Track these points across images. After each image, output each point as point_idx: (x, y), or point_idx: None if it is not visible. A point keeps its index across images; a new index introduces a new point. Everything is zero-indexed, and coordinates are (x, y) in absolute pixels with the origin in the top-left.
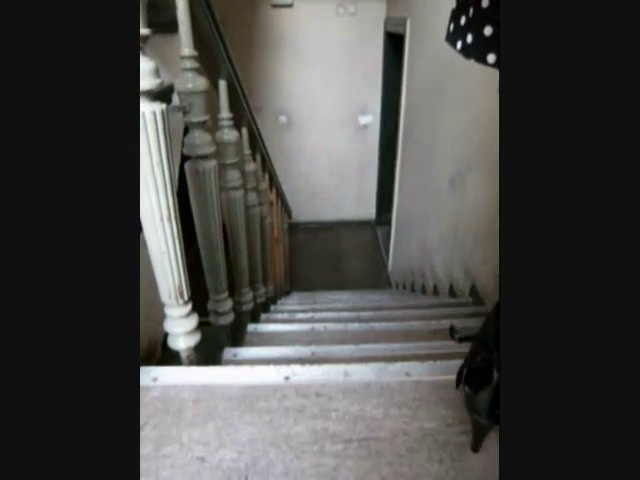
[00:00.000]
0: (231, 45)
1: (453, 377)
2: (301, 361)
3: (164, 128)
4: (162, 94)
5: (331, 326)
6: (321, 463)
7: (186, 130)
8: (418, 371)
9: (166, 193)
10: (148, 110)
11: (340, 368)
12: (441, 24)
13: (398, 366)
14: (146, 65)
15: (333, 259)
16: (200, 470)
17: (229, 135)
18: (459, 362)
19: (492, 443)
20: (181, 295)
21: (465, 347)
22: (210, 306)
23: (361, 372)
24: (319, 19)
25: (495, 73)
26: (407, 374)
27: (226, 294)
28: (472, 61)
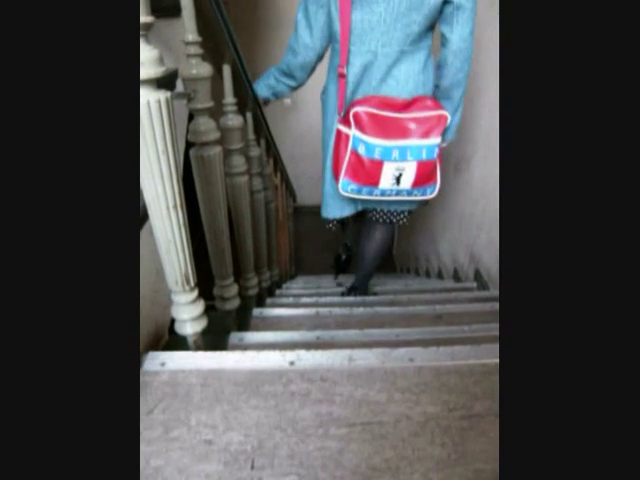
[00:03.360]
0: (235, 28)
1: (456, 362)
2: (306, 346)
3: (169, 116)
4: (166, 81)
5: (336, 310)
6: (325, 446)
7: (191, 116)
8: (421, 356)
9: (172, 181)
10: (153, 99)
11: (344, 353)
12: None
13: (402, 351)
14: (150, 53)
15: (338, 243)
16: (208, 452)
17: (234, 121)
18: (462, 347)
19: (492, 427)
20: (187, 282)
21: (470, 333)
22: (216, 291)
23: (365, 357)
24: None
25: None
26: (411, 359)
27: (232, 279)
28: (478, 44)
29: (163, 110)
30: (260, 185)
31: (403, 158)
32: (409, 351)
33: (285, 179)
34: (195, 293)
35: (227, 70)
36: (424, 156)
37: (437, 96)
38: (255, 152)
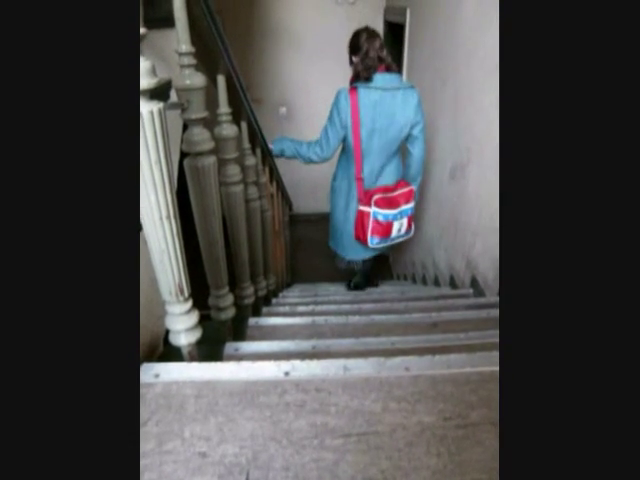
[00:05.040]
0: (229, 37)
1: (452, 371)
2: (302, 355)
3: (162, 127)
4: (159, 92)
5: (332, 319)
6: (321, 457)
7: (185, 126)
8: (417, 365)
9: (165, 192)
10: (145, 110)
11: (340, 363)
12: (441, 14)
13: (397, 360)
14: (143, 64)
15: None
16: (202, 465)
17: (228, 130)
18: (458, 356)
19: (488, 436)
20: (181, 292)
21: (466, 340)
22: (211, 301)
23: (360, 367)
24: (319, 9)
25: (497, 64)
26: (406, 369)
27: (227, 289)
28: (473, 52)
29: (156, 121)
30: (255, 194)
31: (401, 216)
32: (405, 360)
33: (281, 188)
34: (189, 304)
35: (221, 80)
36: (409, 213)
37: (406, 179)
38: (250, 161)
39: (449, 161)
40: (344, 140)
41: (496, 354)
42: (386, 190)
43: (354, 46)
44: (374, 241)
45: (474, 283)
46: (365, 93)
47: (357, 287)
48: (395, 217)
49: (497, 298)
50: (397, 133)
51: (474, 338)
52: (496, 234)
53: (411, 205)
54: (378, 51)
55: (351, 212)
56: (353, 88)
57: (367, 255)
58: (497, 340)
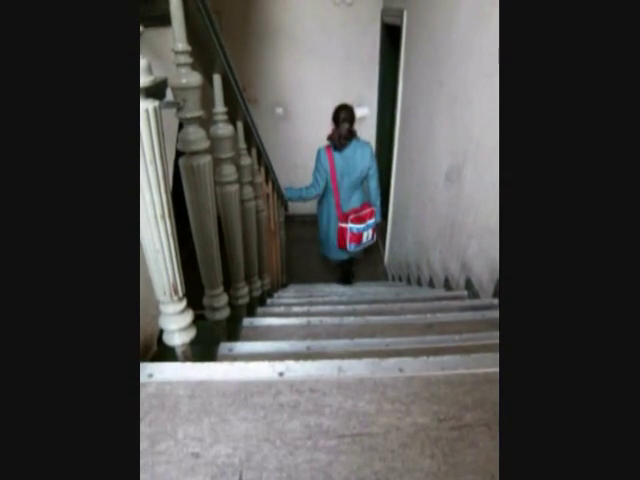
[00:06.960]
0: (226, 37)
1: (446, 372)
2: (296, 356)
3: (157, 126)
4: (155, 91)
5: (327, 320)
6: (315, 458)
7: (181, 125)
8: (411, 367)
9: (160, 191)
10: (141, 108)
11: (334, 364)
12: (437, 16)
13: (392, 362)
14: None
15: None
16: (195, 466)
17: (224, 130)
18: (452, 357)
19: (482, 438)
20: (175, 292)
21: (461, 341)
22: (205, 301)
23: (355, 368)
24: (316, 10)
25: (495, 65)
26: (400, 370)
27: (221, 289)
28: (470, 54)
29: (151, 119)
30: (251, 194)
31: (367, 228)
32: (399, 361)
33: (277, 188)
34: (183, 303)
35: (217, 79)
36: (373, 225)
37: (370, 202)
38: (246, 161)
39: (445, 163)
40: (326, 179)
41: (490, 356)
42: (356, 211)
43: (335, 118)
44: (352, 247)
45: (469, 285)
46: (337, 152)
47: (345, 282)
48: (364, 229)
49: (492, 300)
50: (359, 174)
51: (468, 340)
52: (491, 235)
53: (373, 220)
54: (348, 127)
55: (332, 227)
56: (329, 147)
57: (345, 256)
58: (491, 342)
